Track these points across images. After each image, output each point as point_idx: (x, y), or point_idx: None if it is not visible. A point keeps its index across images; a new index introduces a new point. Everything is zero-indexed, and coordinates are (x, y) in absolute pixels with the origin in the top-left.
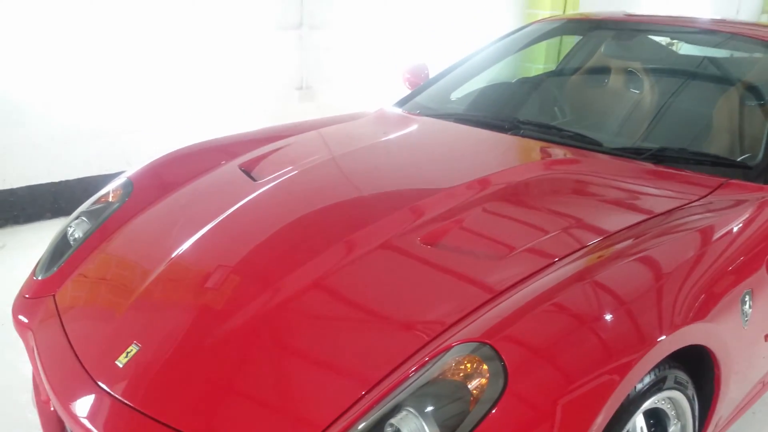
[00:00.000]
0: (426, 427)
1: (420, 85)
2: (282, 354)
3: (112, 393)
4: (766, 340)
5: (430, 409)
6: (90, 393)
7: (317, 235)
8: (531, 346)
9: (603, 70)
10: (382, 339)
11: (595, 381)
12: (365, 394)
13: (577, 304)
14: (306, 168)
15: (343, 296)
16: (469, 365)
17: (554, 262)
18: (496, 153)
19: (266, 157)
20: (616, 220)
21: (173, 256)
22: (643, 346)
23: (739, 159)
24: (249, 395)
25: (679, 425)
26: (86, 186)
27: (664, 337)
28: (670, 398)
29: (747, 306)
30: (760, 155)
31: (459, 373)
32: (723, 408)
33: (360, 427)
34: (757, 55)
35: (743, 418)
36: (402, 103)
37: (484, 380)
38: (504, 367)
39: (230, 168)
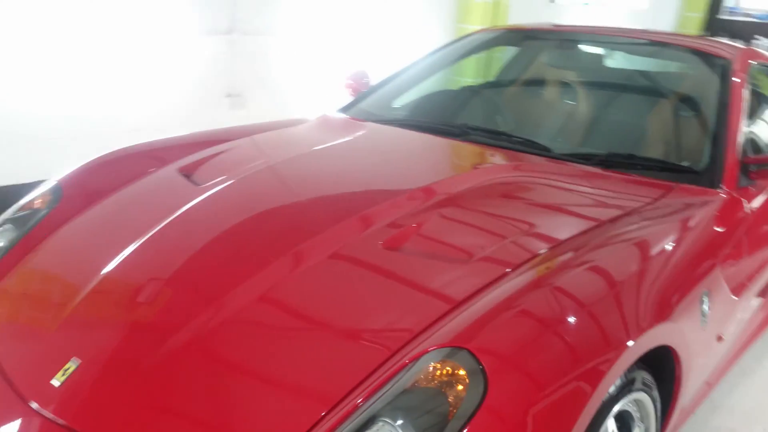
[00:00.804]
0: None
1: (362, 91)
2: (228, 373)
3: (47, 414)
4: (718, 341)
5: (408, 418)
6: (21, 415)
7: (263, 245)
8: (507, 350)
9: (546, 79)
10: (343, 352)
11: (574, 383)
12: (326, 414)
13: (546, 309)
14: (248, 174)
15: (296, 309)
16: (445, 371)
17: (515, 269)
18: (446, 159)
19: (206, 162)
20: (573, 225)
21: (108, 268)
22: (616, 348)
23: (685, 164)
24: (194, 418)
25: (643, 428)
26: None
27: (632, 342)
28: (636, 400)
29: (705, 306)
30: (705, 160)
31: (435, 380)
32: (679, 409)
33: None
34: (692, 65)
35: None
36: (346, 109)
37: (462, 386)
38: (483, 370)
39: (168, 173)
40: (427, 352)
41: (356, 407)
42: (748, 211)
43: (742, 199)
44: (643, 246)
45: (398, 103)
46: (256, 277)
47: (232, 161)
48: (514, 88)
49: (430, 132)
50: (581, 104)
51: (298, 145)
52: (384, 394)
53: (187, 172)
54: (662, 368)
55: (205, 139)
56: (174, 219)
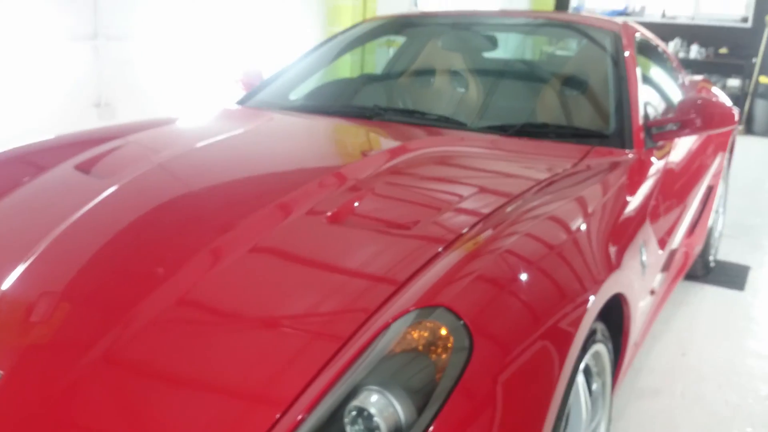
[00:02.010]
0: (396, 403)
1: (257, 85)
2: (167, 380)
3: None
4: (651, 294)
5: (395, 382)
6: None
7: (174, 245)
8: (484, 306)
9: (445, 61)
10: (296, 339)
11: (553, 333)
12: (299, 395)
13: (506, 268)
14: (147, 170)
15: (228, 306)
16: (425, 331)
17: (462, 234)
18: (361, 139)
19: (98, 162)
20: (506, 189)
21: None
22: (584, 298)
23: (595, 129)
24: None
25: (600, 382)
26: None
27: (595, 293)
28: (596, 353)
29: (644, 257)
30: (613, 124)
31: (416, 342)
32: (627, 360)
33: (311, 422)
34: (584, 39)
35: (677, 404)
36: (243, 101)
37: (446, 344)
38: (465, 326)
39: (52, 177)
40: (401, 315)
41: (334, 381)
42: (660, 168)
43: (652, 158)
44: (581, 202)
45: (296, 94)
46: (173, 279)
47: (127, 159)
48: (414, 71)
49: (339, 115)
50: (487, 82)
51: (198, 136)
52: (363, 362)
53: (80, 173)
54: (609, 321)
55: (85, 139)
56: (68, 227)
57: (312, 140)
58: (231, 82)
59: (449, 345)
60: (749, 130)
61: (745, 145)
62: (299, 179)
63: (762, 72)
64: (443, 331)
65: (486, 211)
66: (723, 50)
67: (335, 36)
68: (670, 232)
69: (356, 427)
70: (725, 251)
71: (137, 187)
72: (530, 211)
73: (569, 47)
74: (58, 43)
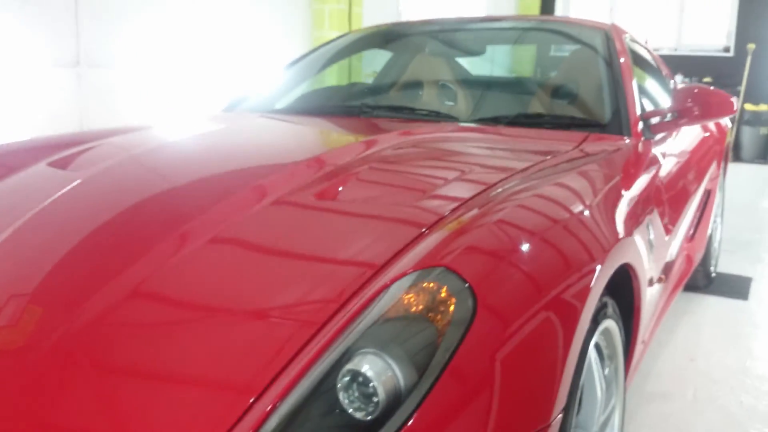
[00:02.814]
0: (395, 365)
1: (243, 94)
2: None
3: None
4: (658, 282)
5: (392, 344)
6: None
7: (137, 234)
8: (487, 265)
9: (433, 66)
10: (284, 315)
11: (562, 297)
12: (287, 364)
13: (505, 237)
14: (109, 165)
15: (215, 282)
16: (425, 293)
17: (466, 202)
18: (345, 131)
19: (75, 157)
20: (501, 168)
21: None
22: (593, 264)
23: (591, 119)
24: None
25: (612, 366)
26: None
27: (604, 258)
28: (606, 329)
29: (651, 236)
30: (609, 114)
31: (416, 305)
32: (639, 342)
33: (299, 391)
34: (577, 38)
35: (689, 407)
36: (229, 109)
37: (449, 304)
38: (468, 286)
39: (30, 171)
40: (399, 278)
41: (325, 347)
42: (659, 158)
43: (651, 148)
44: (581, 176)
45: (282, 104)
46: (136, 267)
47: (99, 155)
48: (404, 79)
49: (325, 115)
50: (479, 83)
51: (175, 133)
52: (358, 326)
53: (51, 169)
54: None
55: (60, 141)
56: (30, 217)
57: (293, 134)
58: (217, 108)
59: (451, 306)
60: (737, 157)
61: (734, 172)
62: (276, 165)
63: (747, 99)
64: (444, 292)
65: (479, 189)
66: (707, 79)
67: (318, 48)
68: (673, 221)
69: (350, 394)
70: (725, 265)
71: (106, 177)
72: (526, 187)
73: (561, 48)
74: (40, 69)
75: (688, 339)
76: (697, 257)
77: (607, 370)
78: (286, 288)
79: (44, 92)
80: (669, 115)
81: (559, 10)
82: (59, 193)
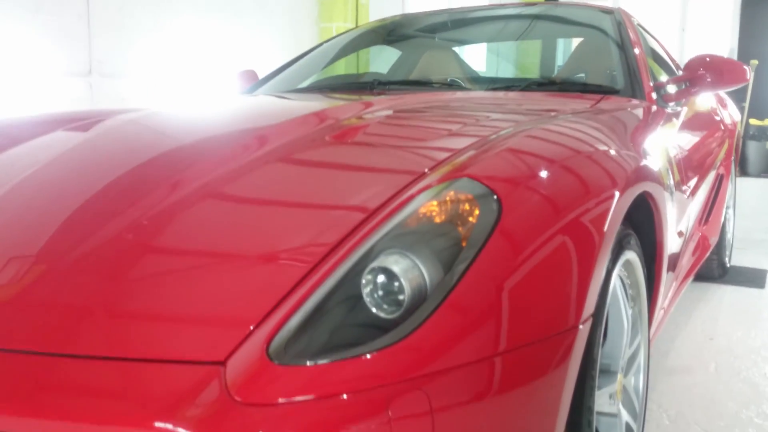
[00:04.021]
0: (420, 264)
1: (255, 82)
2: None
3: None
4: (679, 236)
5: (419, 245)
6: None
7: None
8: (512, 174)
9: (445, 56)
10: (305, 231)
11: (585, 216)
12: (312, 269)
13: (541, 144)
14: (118, 124)
15: (234, 210)
16: (449, 201)
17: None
18: (356, 99)
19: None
20: (527, 117)
21: None
22: (613, 187)
23: (605, 85)
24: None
25: (637, 309)
26: None
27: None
28: (628, 261)
29: (671, 181)
30: (622, 81)
31: (440, 212)
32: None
33: (322, 291)
34: (587, 19)
35: (712, 378)
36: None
37: (473, 209)
38: (491, 191)
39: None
40: (423, 191)
41: (349, 252)
42: (674, 125)
43: (666, 112)
44: (602, 118)
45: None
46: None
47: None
48: (420, 65)
49: (338, 91)
50: (492, 62)
51: (183, 106)
52: (382, 231)
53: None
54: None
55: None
56: (26, 176)
57: (304, 102)
58: (227, 83)
59: (476, 211)
60: (743, 171)
61: (741, 186)
62: (279, 122)
63: (751, 115)
64: (469, 199)
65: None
66: None
67: (323, 43)
68: (688, 188)
69: (375, 292)
70: (738, 260)
71: (106, 137)
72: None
73: (570, 30)
74: (53, 78)
75: (707, 322)
76: (712, 241)
77: (631, 311)
78: (309, 207)
79: (57, 101)
80: (682, 84)
81: None
82: (59, 153)
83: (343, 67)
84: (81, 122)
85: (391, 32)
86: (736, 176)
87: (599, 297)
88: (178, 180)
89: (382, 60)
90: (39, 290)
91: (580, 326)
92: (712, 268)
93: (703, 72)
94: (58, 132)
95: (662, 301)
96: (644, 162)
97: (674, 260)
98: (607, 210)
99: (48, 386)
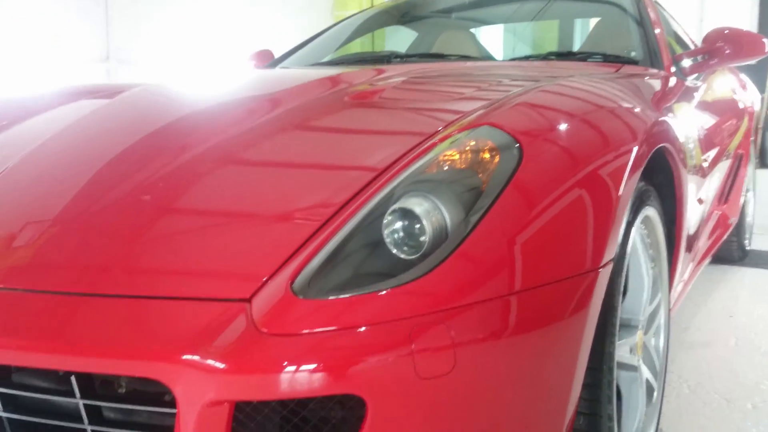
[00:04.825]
0: (441, 206)
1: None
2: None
3: None
4: (699, 203)
5: (440, 188)
6: None
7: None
8: (531, 122)
9: (462, 35)
10: (325, 179)
11: (604, 168)
12: (323, 224)
13: (558, 98)
14: (133, 92)
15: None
16: (470, 148)
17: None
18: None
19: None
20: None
21: None
22: (632, 139)
23: (623, 56)
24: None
25: (657, 269)
26: None
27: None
28: (647, 218)
29: (690, 144)
30: (641, 53)
31: (462, 158)
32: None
33: (344, 232)
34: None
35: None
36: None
37: (494, 154)
38: (511, 136)
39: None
40: (443, 140)
41: (371, 196)
42: (694, 97)
43: (685, 83)
44: (620, 80)
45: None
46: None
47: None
48: (441, 44)
49: (355, 63)
50: (509, 37)
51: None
52: (403, 176)
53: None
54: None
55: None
56: (48, 139)
57: (318, 70)
58: (242, 61)
59: (496, 157)
60: (763, 163)
61: (761, 177)
62: (292, 86)
63: None
64: (489, 144)
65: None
66: None
67: (338, 23)
68: (707, 160)
69: (397, 233)
70: (759, 244)
71: (122, 105)
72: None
73: (588, 9)
74: (72, 64)
75: (727, 300)
76: (732, 221)
77: (652, 271)
78: (327, 162)
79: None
80: (700, 57)
81: None
82: (75, 120)
83: (358, 48)
84: (98, 93)
85: (406, 13)
86: (756, 159)
87: (619, 246)
88: (196, 140)
89: (398, 40)
90: (67, 238)
91: (600, 270)
92: (732, 250)
93: (721, 44)
94: (75, 102)
95: (682, 268)
96: (663, 118)
97: (694, 234)
98: (627, 160)
99: (80, 323)
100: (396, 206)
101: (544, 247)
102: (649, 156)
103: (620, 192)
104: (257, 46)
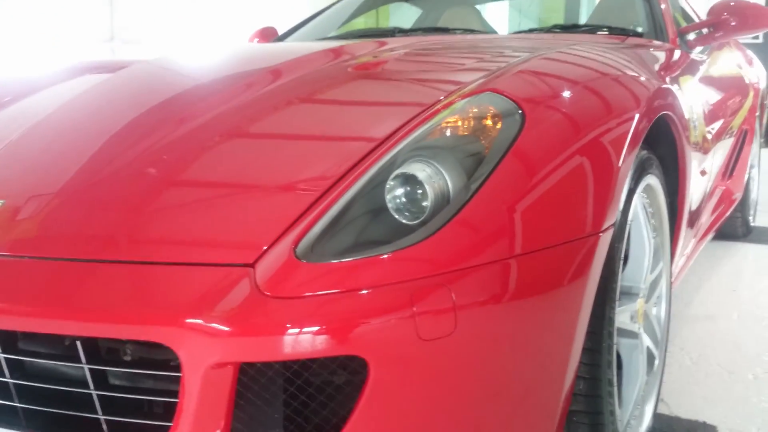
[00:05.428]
0: (444, 171)
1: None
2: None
3: None
4: (702, 174)
5: (442, 153)
6: None
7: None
8: (532, 89)
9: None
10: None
11: (606, 136)
12: (328, 189)
13: (559, 65)
14: (134, 67)
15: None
16: (472, 115)
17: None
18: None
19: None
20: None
21: None
22: (634, 106)
23: (628, 28)
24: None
25: (659, 240)
26: None
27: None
28: (648, 187)
29: (693, 115)
30: (645, 25)
31: (464, 124)
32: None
33: (348, 196)
34: None
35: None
36: None
37: (497, 120)
38: (513, 102)
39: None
40: (446, 107)
41: (374, 162)
42: (699, 69)
43: (690, 56)
44: (625, 50)
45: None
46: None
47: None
48: (446, 20)
49: (358, 37)
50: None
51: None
52: (406, 142)
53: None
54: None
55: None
56: (53, 111)
57: (320, 43)
58: (245, 38)
59: (498, 123)
60: None
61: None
62: (298, 56)
63: None
64: (492, 110)
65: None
66: None
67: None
68: (711, 133)
69: (398, 198)
70: (763, 220)
71: (124, 78)
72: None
73: None
74: (77, 45)
75: (730, 275)
76: (737, 196)
77: (653, 241)
78: (329, 131)
79: None
80: (705, 30)
81: None
82: (78, 94)
83: (362, 25)
84: (101, 68)
85: None
86: (761, 136)
87: (620, 212)
88: (198, 112)
89: (402, 17)
90: (72, 208)
91: (601, 234)
92: (736, 226)
93: (726, 16)
94: (78, 78)
95: (684, 240)
96: (665, 86)
97: (697, 208)
98: (629, 128)
99: (85, 289)
100: (398, 171)
101: (544, 213)
102: (651, 123)
103: (621, 158)
104: (261, 24)
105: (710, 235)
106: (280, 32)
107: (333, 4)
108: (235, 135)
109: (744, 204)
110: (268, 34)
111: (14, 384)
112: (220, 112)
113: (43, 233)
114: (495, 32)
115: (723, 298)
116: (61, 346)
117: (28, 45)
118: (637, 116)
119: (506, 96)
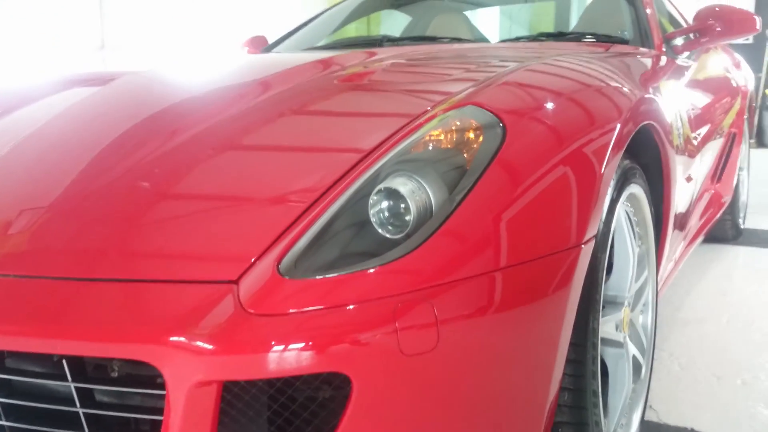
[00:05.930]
0: (426, 185)
1: (267, 45)
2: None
3: None
4: (687, 181)
5: (425, 168)
6: None
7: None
8: (515, 102)
9: (456, 17)
10: (313, 160)
11: (588, 147)
12: (312, 203)
13: (542, 77)
14: (125, 78)
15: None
16: (454, 128)
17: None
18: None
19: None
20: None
21: None
22: (617, 116)
23: (614, 35)
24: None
25: (644, 248)
26: None
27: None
28: (632, 196)
29: (679, 123)
30: (631, 32)
31: (446, 138)
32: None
33: (331, 212)
34: None
35: (724, 328)
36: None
37: (478, 133)
38: (495, 115)
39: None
40: (428, 121)
41: (357, 177)
42: (685, 75)
43: (677, 62)
44: (609, 60)
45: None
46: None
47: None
48: (435, 27)
49: (345, 48)
50: (504, 23)
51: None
52: (388, 157)
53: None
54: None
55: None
56: (44, 124)
57: (309, 54)
58: (236, 47)
59: (480, 136)
60: (761, 143)
61: (757, 156)
62: (287, 67)
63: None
64: (474, 124)
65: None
66: None
67: (330, 8)
68: (698, 138)
69: (381, 212)
70: (753, 223)
71: (114, 91)
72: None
73: None
74: (68, 54)
75: (720, 279)
76: (725, 200)
77: (638, 249)
78: (314, 144)
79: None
80: (691, 35)
81: None
82: (68, 107)
83: (353, 33)
84: (91, 81)
85: None
86: (749, 139)
87: (603, 223)
88: (187, 125)
89: (393, 24)
90: (60, 224)
91: (583, 246)
92: (726, 229)
93: (712, 22)
94: (68, 90)
95: (671, 246)
96: (649, 96)
97: (685, 212)
98: (610, 138)
99: (69, 308)
100: (381, 186)
101: (527, 225)
102: (633, 133)
103: (603, 169)
104: (251, 33)
105: (699, 239)
106: (271, 40)
107: (322, 12)
108: (224, 148)
109: (733, 207)
110: (258, 43)
111: (1, 403)
112: (207, 126)
113: (30, 250)
114: (483, 39)
115: (713, 302)
116: (48, 364)
117: (28, 45)
118: (618, 126)
119: (487, 109)
